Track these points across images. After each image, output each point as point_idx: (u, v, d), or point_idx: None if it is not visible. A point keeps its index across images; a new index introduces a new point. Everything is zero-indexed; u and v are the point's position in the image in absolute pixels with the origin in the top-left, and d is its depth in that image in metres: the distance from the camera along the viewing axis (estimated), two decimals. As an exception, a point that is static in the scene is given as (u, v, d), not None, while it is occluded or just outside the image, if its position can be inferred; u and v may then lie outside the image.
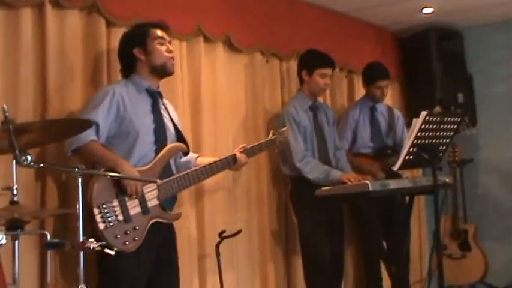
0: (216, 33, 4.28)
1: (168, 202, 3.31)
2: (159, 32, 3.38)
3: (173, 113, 3.52)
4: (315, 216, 4.34)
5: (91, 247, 2.29)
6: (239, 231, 3.97)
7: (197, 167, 3.46)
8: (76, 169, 2.36)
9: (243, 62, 4.57)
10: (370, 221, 4.73)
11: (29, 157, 1.97)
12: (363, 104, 5.13)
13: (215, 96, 4.28)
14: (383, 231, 4.83)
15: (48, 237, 2.47)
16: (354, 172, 4.53)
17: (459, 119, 4.17)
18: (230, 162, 3.60)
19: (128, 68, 3.38)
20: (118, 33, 3.62)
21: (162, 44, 3.36)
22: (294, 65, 4.90)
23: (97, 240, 2.54)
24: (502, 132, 5.87)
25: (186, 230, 3.95)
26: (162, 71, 3.39)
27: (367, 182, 3.94)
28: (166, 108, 3.47)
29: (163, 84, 3.90)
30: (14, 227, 2.25)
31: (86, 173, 2.48)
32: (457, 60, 6.14)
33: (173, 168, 3.40)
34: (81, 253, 2.35)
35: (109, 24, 3.64)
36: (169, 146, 3.33)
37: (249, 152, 3.72)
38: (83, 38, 3.53)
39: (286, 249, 4.75)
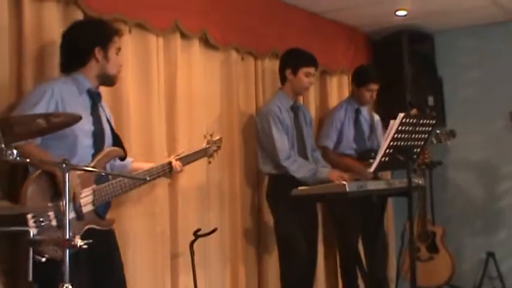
0: (193, 29, 4.24)
1: (101, 208, 3.14)
2: (118, 42, 3.28)
3: (109, 114, 3.37)
4: (293, 214, 4.33)
5: (78, 245, 2.22)
6: (214, 230, 3.93)
7: (135, 173, 3.35)
8: (64, 165, 2.28)
9: (219, 59, 4.54)
10: (348, 221, 4.74)
11: (15, 151, 1.90)
12: (348, 104, 5.16)
13: (190, 93, 4.24)
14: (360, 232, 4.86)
15: (32, 234, 2.39)
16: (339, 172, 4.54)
17: (434, 122, 4.20)
18: (166, 170, 3.49)
19: (76, 63, 3.19)
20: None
21: (118, 55, 3.26)
22: (268, 63, 4.92)
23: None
24: (470, 135, 5.93)
25: (159, 228, 3.92)
26: (109, 81, 3.27)
27: (344, 182, 3.95)
28: (103, 109, 3.32)
29: (140, 79, 3.88)
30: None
31: (73, 168, 2.40)
32: (428, 63, 6.20)
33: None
34: (67, 251, 2.27)
35: (86, 16, 3.55)
36: (106, 150, 3.18)
37: (184, 160, 3.62)
38: (60, 31, 3.44)
39: (258, 248, 4.74)
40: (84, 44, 3.18)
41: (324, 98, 5.56)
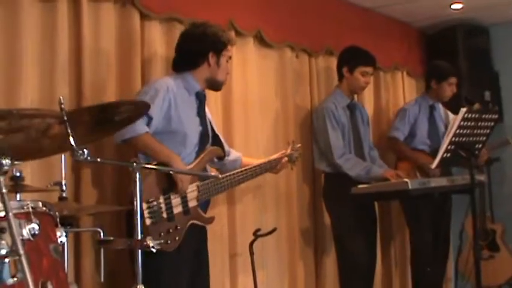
0: (247, 27, 4.22)
1: (203, 204, 3.31)
2: (231, 50, 3.41)
3: (210, 115, 3.52)
4: (351, 214, 4.26)
5: (150, 245, 2.20)
6: (274, 230, 3.88)
7: (242, 169, 3.51)
8: (134, 164, 2.26)
9: (274, 57, 4.51)
10: (422, 220, 4.66)
11: (85, 151, 1.89)
12: (422, 100, 5.13)
13: (246, 91, 4.22)
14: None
15: (101, 234, 2.38)
16: (408, 164, 4.46)
17: (496, 116, 4.10)
18: (273, 165, 3.68)
19: (188, 64, 3.33)
20: (152, 26, 3.62)
21: (228, 63, 3.39)
22: (322, 60, 4.87)
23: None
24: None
25: (218, 228, 3.90)
26: (215, 86, 3.42)
27: (407, 180, 3.87)
28: (206, 111, 3.48)
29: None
30: (64, 224, 2.15)
31: (144, 168, 2.38)
32: (484, 58, 6.07)
33: (208, 170, 3.41)
34: (139, 252, 2.25)
35: (143, 17, 3.58)
36: (209, 149, 3.34)
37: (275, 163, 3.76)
38: (117, 31, 3.48)
39: (315, 248, 4.68)
40: (200, 47, 3.30)
41: (378, 95, 5.48)
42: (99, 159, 2.37)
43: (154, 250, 2.45)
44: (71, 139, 1.87)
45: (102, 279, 2.30)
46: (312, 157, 4.58)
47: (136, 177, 2.24)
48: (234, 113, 4.09)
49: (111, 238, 2.39)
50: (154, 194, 2.97)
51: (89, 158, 1.91)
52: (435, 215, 4.79)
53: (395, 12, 5.60)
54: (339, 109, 4.41)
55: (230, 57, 3.39)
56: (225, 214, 4.00)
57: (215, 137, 3.45)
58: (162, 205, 2.99)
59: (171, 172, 2.99)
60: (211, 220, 3.36)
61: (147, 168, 2.53)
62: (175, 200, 3.07)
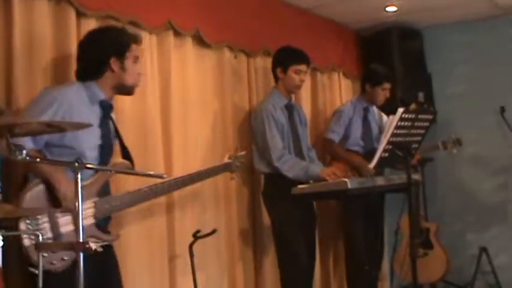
0: (186, 27, 4.17)
1: (102, 221, 3.02)
2: (137, 49, 3.12)
3: (117, 125, 3.23)
4: (291, 214, 4.27)
5: (93, 248, 2.13)
6: (214, 231, 3.86)
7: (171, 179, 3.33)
8: (76, 164, 2.19)
9: (212, 57, 4.47)
10: (353, 219, 4.72)
11: (24, 151, 1.81)
12: (357, 102, 5.23)
13: (184, 91, 4.17)
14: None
15: (40, 237, 2.30)
16: (343, 165, 4.50)
17: (431, 117, 4.18)
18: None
19: (91, 74, 3.06)
20: (88, 24, 3.49)
21: (136, 63, 3.11)
22: (261, 61, 4.88)
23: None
24: (461, 131, 5.90)
25: (157, 230, 3.85)
26: (126, 91, 3.14)
27: (346, 179, 3.90)
28: (113, 121, 3.20)
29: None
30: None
31: (87, 168, 2.31)
32: (417, 60, 6.20)
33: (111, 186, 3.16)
34: (81, 255, 2.17)
35: (79, 14, 3.47)
36: (112, 163, 3.06)
37: (203, 176, 3.57)
38: (51, 28, 3.36)
39: (255, 249, 4.68)
40: (99, 54, 3.03)
41: (315, 95, 5.52)
42: (38, 159, 2.28)
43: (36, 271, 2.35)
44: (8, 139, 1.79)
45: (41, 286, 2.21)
46: (251, 157, 4.58)
47: (78, 178, 2.16)
48: (172, 113, 4.04)
49: (50, 241, 2.30)
50: (41, 209, 2.70)
51: (27, 157, 1.84)
52: (370, 215, 4.87)
53: (332, 13, 5.66)
54: (277, 110, 4.42)
55: (137, 57, 3.11)
56: (164, 215, 3.94)
57: (124, 149, 3.17)
58: (46, 224, 2.70)
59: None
60: (113, 238, 3.07)
61: (89, 168, 2.43)
62: (65, 218, 2.78)
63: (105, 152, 3.04)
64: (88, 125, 2.46)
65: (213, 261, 4.30)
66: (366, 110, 5.20)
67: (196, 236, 3.79)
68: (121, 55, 3.03)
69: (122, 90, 3.12)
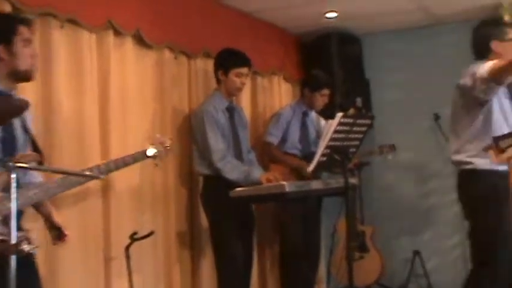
0: (126, 27, 4.13)
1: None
2: (26, 32, 2.88)
3: (29, 116, 2.99)
4: (229, 217, 4.27)
5: (25, 250, 2.06)
6: (151, 233, 3.82)
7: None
8: (10, 163, 2.12)
9: (152, 58, 4.44)
10: (289, 222, 4.74)
11: None
12: (296, 106, 5.29)
13: (124, 91, 4.14)
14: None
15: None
16: (281, 168, 4.52)
17: (369, 122, 4.24)
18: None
19: None
20: (25, 20, 3.41)
21: (27, 46, 2.87)
22: (201, 62, 4.86)
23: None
24: (396, 136, 6.03)
25: (92, 232, 3.79)
26: (24, 77, 2.91)
27: (284, 183, 3.92)
28: None
29: (72, 75, 3.74)
30: None
31: (21, 167, 2.24)
32: (356, 66, 6.29)
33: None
34: (13, 258, 2.08)
35: (16, 10, 3.40)
36: (20, 155, 2.76)
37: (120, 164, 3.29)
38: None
39: (192, 251, 4.65)
40: None
41: (254, 99, 5.55)
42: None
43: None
44: None
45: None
46: (189, 159, 4.57)
47: (12, 177, 2.09)
48: (111, 113, 3.99)
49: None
50: None
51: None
52: (306, 218, 4.92)
53: (274, 18, 5.70)
54: (218, 112, 4.42)
55: (29, 40, 2.85)
56: (100, 217, 3.89)
57: (33, 142, 2.95)
58: None
59: None
60: (24, 235, 2.63)
61: (23, 168, 2.35)
62: None
63: (8, 145, 2.81)
64: None
65: (150, 263, 4.27)
66: (304, 114, 5.27)
67: (133, 237, 3.75)
68: (8, 41, 2.82)
69: (18, 77, 2.89)
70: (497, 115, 3.59)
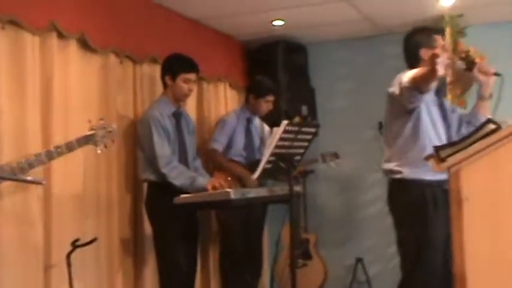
0: (70, 30, 4.07)
1: None
2: None
3: None
4: (173, 224, 4.24)
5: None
6: (94, 240, 3.75)
7: None
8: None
9: (97, 62, 4.38)
10: (232, 229, 4.72)
11: None
12: (241, 113, 5.28)
13: (67, 95, 4.06)
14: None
15: None
16: (226, 176, 4.50)
17: (314, 130, 4.27)
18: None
19: None
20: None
21: None
22: (147, 68, 4.82)
23: None
24: (341, 145, 6.09)
25: (31, 239, 3.70)
26: None
27: (229, 190, 3.92)
28: None
29: (14, 78, 3.66)
30: None
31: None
32: (302, 74, 6.34)
33: None
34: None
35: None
36: None
37: (64, 150, 3.29)
38: None
39: (135, 258, 4.60)
40: None
41: (200, 105, 5.53)
42: None
43: None
44: None
45: None
46: (134, 165, 4.51)
47: None
48: (54, 117, 3.92)
49: None
50: None
51: None
52: (249, 225, 4.91)
53: (221, 25, 5.70)
54: (164, 117, 4.38)
55: None
56: (40, 223, 3.79)
57: None
58: None
59: None
60: None
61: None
62: None
63: None
64: None
65: (92, 270, 4.20)
66: (249, 121, 5.26)
67: (75, 244, 3.67)
68: None
69: None
70: (425, 123, 3.58)
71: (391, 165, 3.66)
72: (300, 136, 4.09)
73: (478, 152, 2.76)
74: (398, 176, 3.61)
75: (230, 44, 6.03)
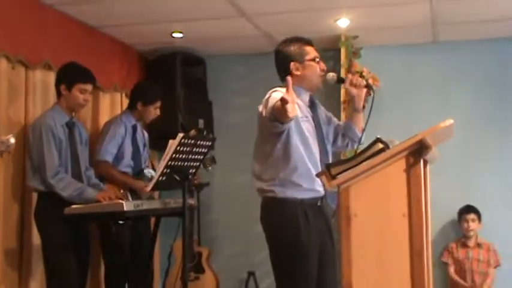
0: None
1: None
2: None
3: None
4: (64, 235, 4.12)
5: None
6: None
7: None
8: None
9: (-13, 66, 4.22)
10: (123, 241, 4.63)
11: None
12: (126, 120, 5.07)
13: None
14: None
15: None
16: (117, 187, 4.42)
17: (210, 143, 4.29)
18: None
19: None
20: None
21: None
22: (40, 74, 4.68)
23: None
24: (235, 160, 6.14)
25: None
26: None
27: (122, 201, 3.86)
28: None
29: None
30: None
31: None
32: (199, 87, 6.35)
33: None
34: None
35: None
36: None
37: None
38: None
39: (20, 271, 4.42)
40: None
41: (96, 115, 5.43)
42: None
43: None
44: None
45: None
46: (23, 173, 4.36)
47: None
48: None
49: None
50: None
51: None
52: (138, 236, 4.83)
53: (119, 33, 5.63)
54: (57, 126, 4.26)
55: None
56: None
57: None
58: None
59: None
60: None
61: None
62: None
63: None
64: None
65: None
66: (134, 128, 5.09)
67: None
68: None
69: None
70: (295, 145, 3.44)
71: (263, 185, 3.55)
72: (195, 149, 4.10)
73: (367, 170, 2.85)
74: (270, 194, 3.51)
75: (128, 54, 5.96)
